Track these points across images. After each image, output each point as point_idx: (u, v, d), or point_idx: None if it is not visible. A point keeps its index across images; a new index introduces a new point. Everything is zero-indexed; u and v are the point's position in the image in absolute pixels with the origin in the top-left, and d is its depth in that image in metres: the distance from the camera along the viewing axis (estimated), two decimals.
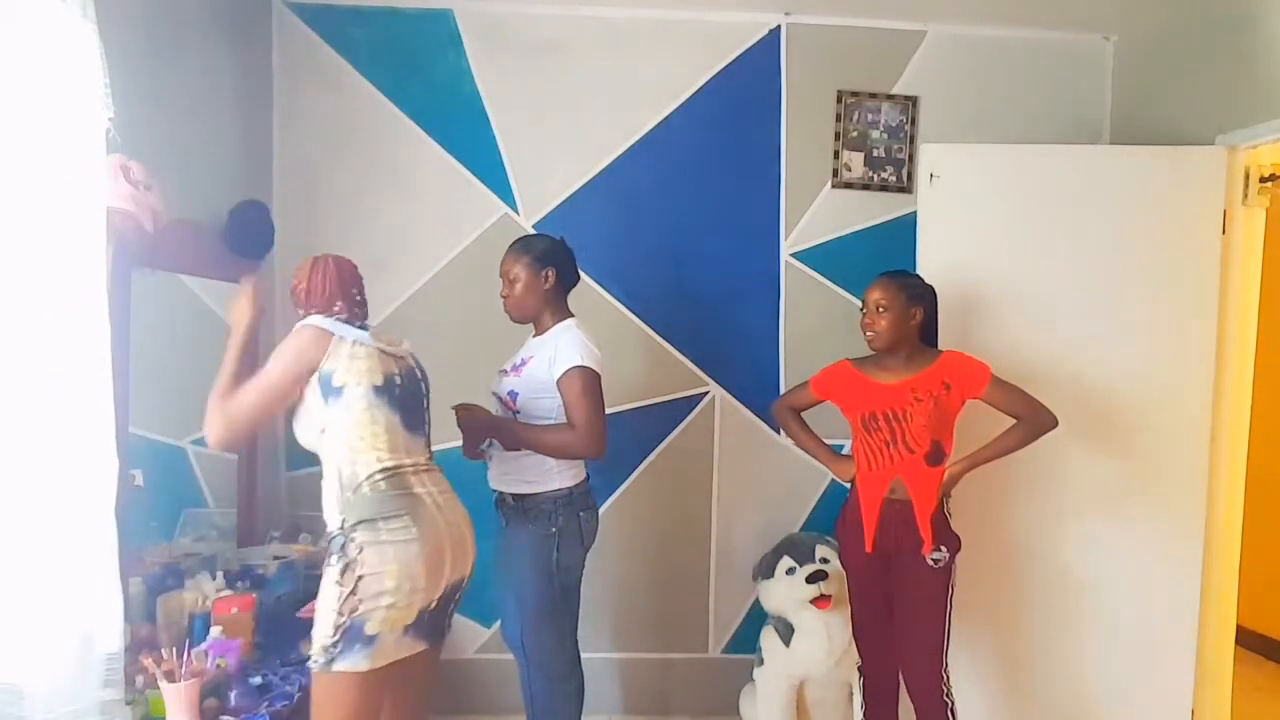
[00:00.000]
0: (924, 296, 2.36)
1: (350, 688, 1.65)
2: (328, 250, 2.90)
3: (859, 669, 2.51)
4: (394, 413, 1.79)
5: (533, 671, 2.29)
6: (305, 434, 1.82)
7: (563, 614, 2.28)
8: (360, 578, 1.64)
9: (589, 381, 2.16)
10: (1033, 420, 2.29)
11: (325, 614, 1.66)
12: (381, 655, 1.66)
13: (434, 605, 1.75)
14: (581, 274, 2.36)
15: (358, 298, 1.93)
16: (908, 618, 2.35)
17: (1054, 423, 2.29)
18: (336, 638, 1.63)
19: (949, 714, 2.33)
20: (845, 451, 2.69)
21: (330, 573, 1.67)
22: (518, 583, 2.27)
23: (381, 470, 1.74)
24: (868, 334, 2.34)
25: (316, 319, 1.84)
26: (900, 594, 2.35)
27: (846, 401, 2.41)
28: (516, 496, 2.24)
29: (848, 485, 2.50)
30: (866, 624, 2.44)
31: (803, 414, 2.58)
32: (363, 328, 1.87)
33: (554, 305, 2.28)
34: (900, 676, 2.43)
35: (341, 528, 1.70)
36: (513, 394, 2.24)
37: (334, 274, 1.91)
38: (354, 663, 1.63)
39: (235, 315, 1.97)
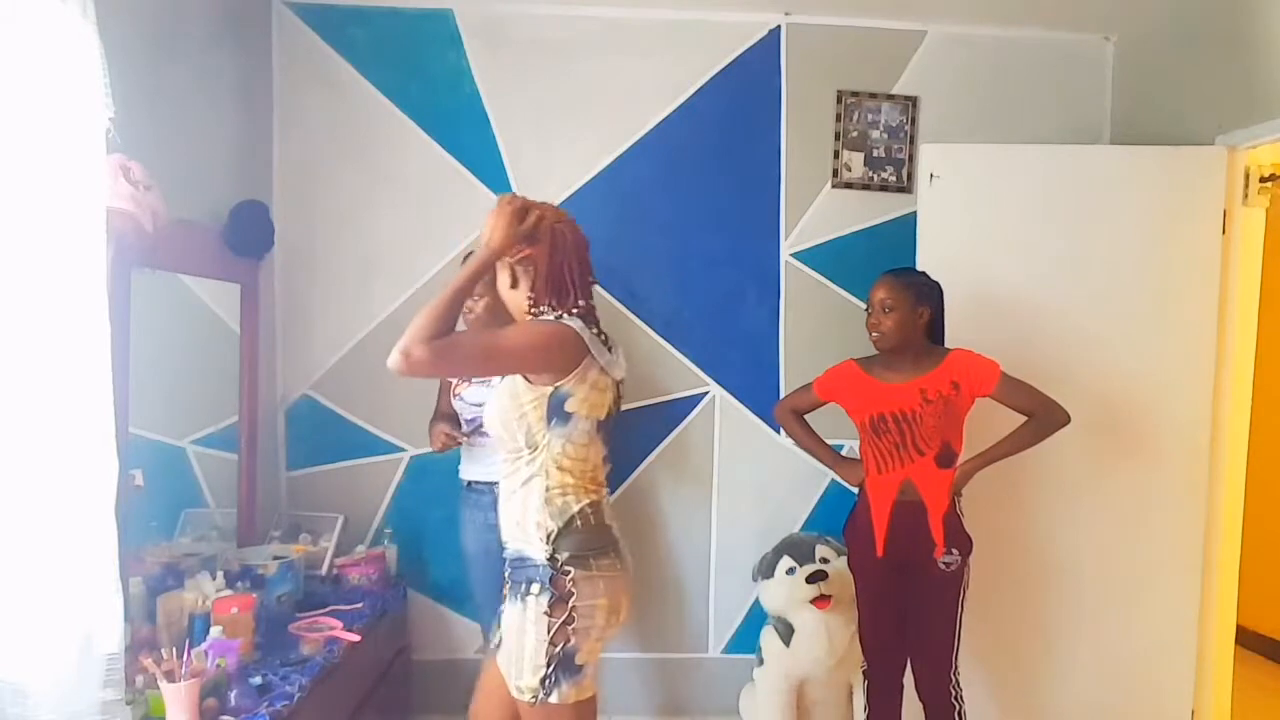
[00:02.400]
0: (931, 295, 2.32)
1: (571, 718, 1.65)
2: (326, 250, 2.97)
3: (863, 671, 2.50)
4: (604, 447, 1.73)
5: None
6: (504, 420, 1.68)
7: None
8: (574, 608, 1.62)
9: None
10: (1045, 417, 2.26)
11: (534, 644, 1.62)
12: (588, 687, 1.66)
13: None
14: None
15: (594, 285, 1.73)
16: (920, 620, 2.33)
17: (1066, 419, 2.26)
18: (552, 668, 1.62)
19: (957, 715, 2.32)
20: (845, 452, 2.69)
21: (535, 603, 1.64)
22: (477, 568, 2.35)
23: (590, 505, 1.69)
24: (873, 334, 2.31)
25: (579, 325, 1.65)
26: (912, 597, 2.33)
27: (853, 403, 2.39)
28: (482, 484, 2.32)
29: (856, 489, 2.48)
30: (876, 628, 2.42)
31: (807, 415, 2.56)
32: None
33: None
34: (905, 678, 2.42)
35: (552, 560, 1.65)
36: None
37: (577, 256, 1.69)
38: (567, 694, 1.63)
39: (486, 233, 1.68)
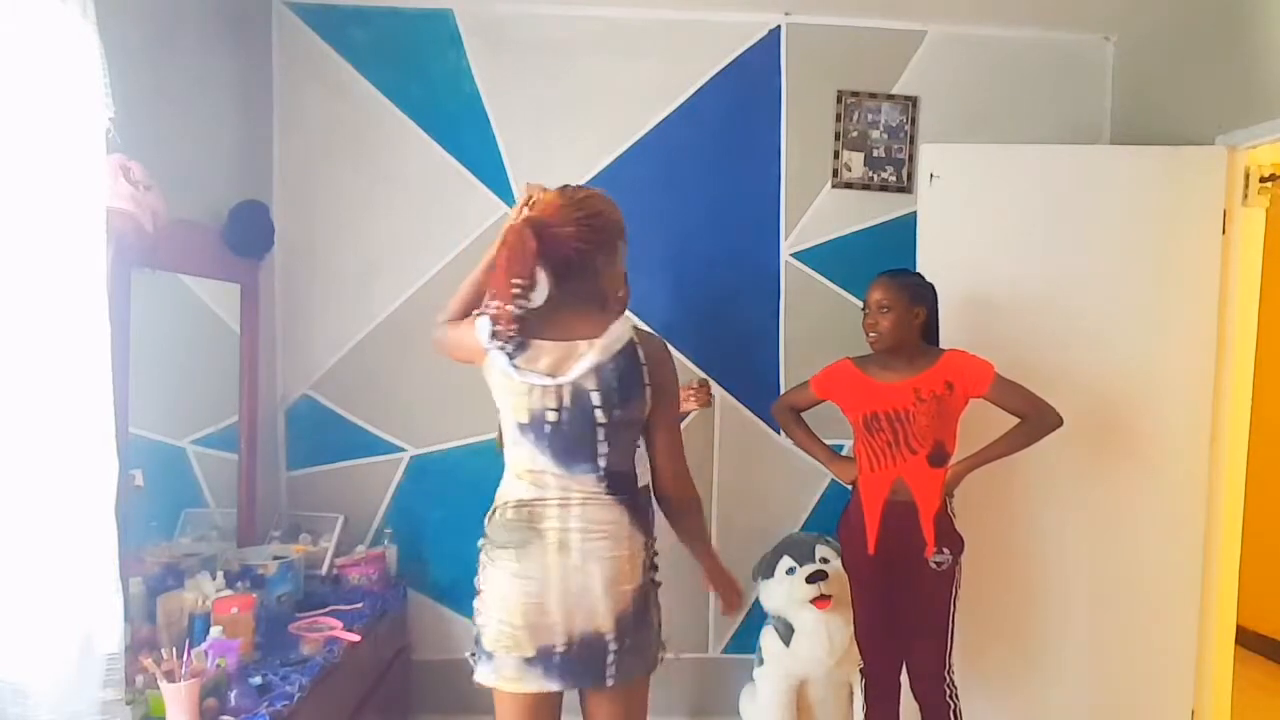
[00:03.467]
0: (926, 296, 2.35)
1: (496, 703, 1.70)
2: (327, 250, 2.97)
3: (860, 670, 2.51)
4: (542, 451, 1.64)
5: None
6: None
7: None
8: (480, 593, 1.69)
9: None
10: (1037, 419, 2.28)
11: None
12: (504, 678, 1.65)
13: (566, 649, 1.62)
14: None
15: (516, 288, 1.58)
16: (912, 619, 2.34)
17: (1059, 421, 2.28)
18: (475, 643, 1.70)
19: (953, 714, 2.33)
20: (845, 452, 2.69)
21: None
22: None
23: (517, 502, 1.66)
24: (870, 334, 2.33)
25: (481, 324, 1.64)
26: (904, 595, 2.34)
27: (848, 401, 2.40)
28: None
29: (850, 487, 2.49)
30: (870, 625, 2.43)
31: (803, 414, 2.57)
32: (519, 340, 1.60)
33: None
34: (903, 677, 2.43)
35: (480, 541, 1.73)
36: None
37: (508, 255, 1.59)
38: (484, 675, 1.68)
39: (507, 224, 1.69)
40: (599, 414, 1.62)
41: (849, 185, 3.08)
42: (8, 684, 1.49)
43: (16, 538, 1.51)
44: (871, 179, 3.08)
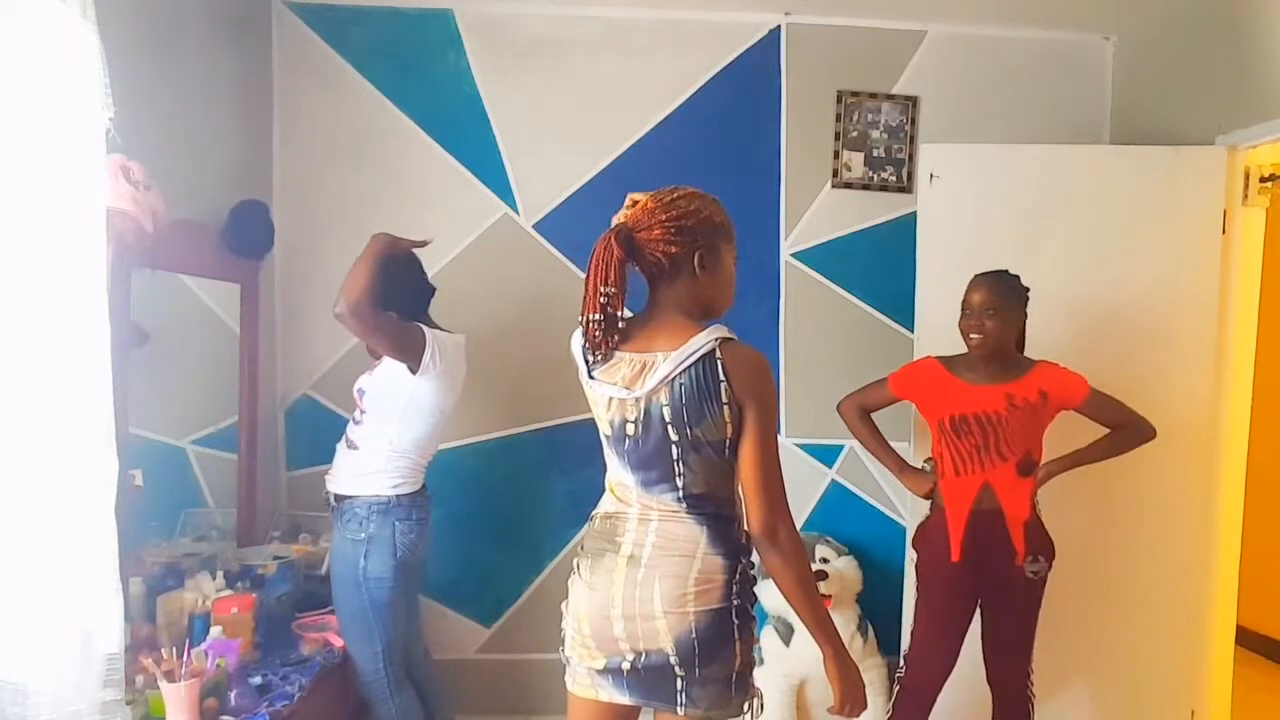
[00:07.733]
0: (1026, 299, 2.29)
1: (569, 707, 1.63)
2: (327, 250, 2.97)
3: (897, 678, 2.43)
4: (624, 465, 1.58)
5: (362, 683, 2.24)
6: None
7: (375, 629, 2.18)
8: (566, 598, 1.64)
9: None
10: (1134, 431, 2.28)
11: None
12: (579, 685, 1.60)
13: (633, 664, 1.54)
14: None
15: (604, 296, 1.53)
16: (1000, 624, 2.32)
17: (1153, 433, 2.28)
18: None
19: (1030, 710, 2.34)
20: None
21: None
22: (334, 588, 2.22)
23: (604, 515, 1.63)
24: (972, 337, 2.24)
25: (577, 332, 1.61)
26: (991, 602, 2.31)
27: (930, 402, 2.33)
28: (338, 497, 2.22)
29: (925, 499, 2.41)
30: (934, 636, 2.34)
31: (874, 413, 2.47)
32: (609, 342, 1.56)
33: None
34: (944, 678, 2.37)
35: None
36: (360, 391, 2.29)
37: (594, 264, 1.54)
38: (567, 680, 1.62)
39: None
40: (671, 431, 1.51)
41: (849, 185, 3.08)
42: (8, 684, 1.49)
43: (16, 538, 1.51)
44: (871, 179, 3.08)
